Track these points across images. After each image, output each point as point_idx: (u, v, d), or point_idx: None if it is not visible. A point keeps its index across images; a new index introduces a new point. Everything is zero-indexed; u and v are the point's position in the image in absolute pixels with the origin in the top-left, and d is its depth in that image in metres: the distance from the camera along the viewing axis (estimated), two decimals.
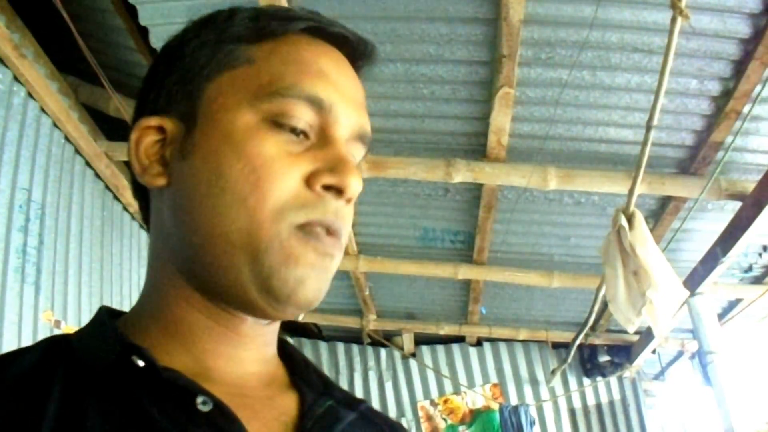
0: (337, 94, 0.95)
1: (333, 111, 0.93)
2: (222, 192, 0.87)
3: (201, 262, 0.90)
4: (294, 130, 0.91)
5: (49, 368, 0.84)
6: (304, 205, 0.88)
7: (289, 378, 1.03)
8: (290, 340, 8.51)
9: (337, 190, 0.90)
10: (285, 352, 1.07)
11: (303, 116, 0.91)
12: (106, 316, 0.96)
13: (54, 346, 0.89)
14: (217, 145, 0.90)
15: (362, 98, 1.02)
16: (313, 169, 0.90)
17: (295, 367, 1.05)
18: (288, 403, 0.95)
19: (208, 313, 0.92)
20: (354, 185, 0.90)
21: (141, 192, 1.02)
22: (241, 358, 0.95)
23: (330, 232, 0.91)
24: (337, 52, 1.00)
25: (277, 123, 0.90)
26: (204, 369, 0.90)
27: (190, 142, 0.92)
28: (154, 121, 0.95)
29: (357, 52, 1.04)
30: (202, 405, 0.81)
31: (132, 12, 4.17)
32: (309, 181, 0.89)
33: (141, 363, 0.82)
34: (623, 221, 4.07)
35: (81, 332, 0.94)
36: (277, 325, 1.02)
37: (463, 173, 4.77)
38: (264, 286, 0.87)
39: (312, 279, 0.89)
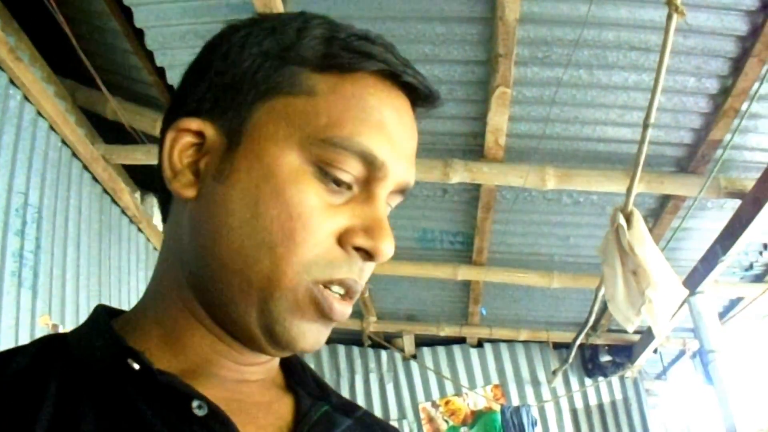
0: (392, 150, 0.90)
1: (383, 169, 0.89)
2: (253, 232, 0.85)
3: (213, 287, 0.89)
4: (338, 182, 0.87)
5: (45, 367, 0.83)
6: (330, 263, 0.87)
7: (286, 382, 1.03)
8: None
9: (368, 253, 0.88)
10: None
11: (352, 170, 0.88)
12: (102, 315, 0.94)
13: (49, 345, 0.89)
14: (258, 181, 0.86)
15: (414, 148, 0.98)
16: (348, 226, 0.88)
17: (293, 371, 1.05)
18: (284, 408, 0.95)
19: (213, 330, 0.92)
20: (386, 251, 0.88)
21: (164, 191, 0.98)
22: (241, 370, 0.94)
23: (347, 294, 0.90)
24: (401, 98, 0.95)
25: (323, 171, 0.87)
26: (202, 375, 0.90)
27: (229, 163, 0.89)
28: (195, 124, 0.91)
29: (421, 98, 0.98)
30: (198, 409, 0.81)
31: (128, 14, 4.16)
32: (342, 238, 0.87)
33: (136, 366, 0.82)
34: (621, 220, 4.05)
35: (77, 332, 0.93)
36: None
37: (460, 174, 4.76)
38: (267, 329, 0.87)
39: (313, 333, 0.89)
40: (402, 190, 0.96)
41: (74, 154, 4.90)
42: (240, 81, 0.90)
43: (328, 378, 8.37)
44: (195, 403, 0.81)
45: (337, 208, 0.87)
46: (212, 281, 0.88)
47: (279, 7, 3.62)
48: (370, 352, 8.62)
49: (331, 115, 0.87)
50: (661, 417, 8.82)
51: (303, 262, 0.85)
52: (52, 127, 4.61)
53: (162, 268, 0.97)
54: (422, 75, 0.97)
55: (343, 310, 0.89)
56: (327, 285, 0.87)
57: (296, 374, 1.04)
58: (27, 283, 4.11)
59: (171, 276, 0.94)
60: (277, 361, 1.03)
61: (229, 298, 0.87)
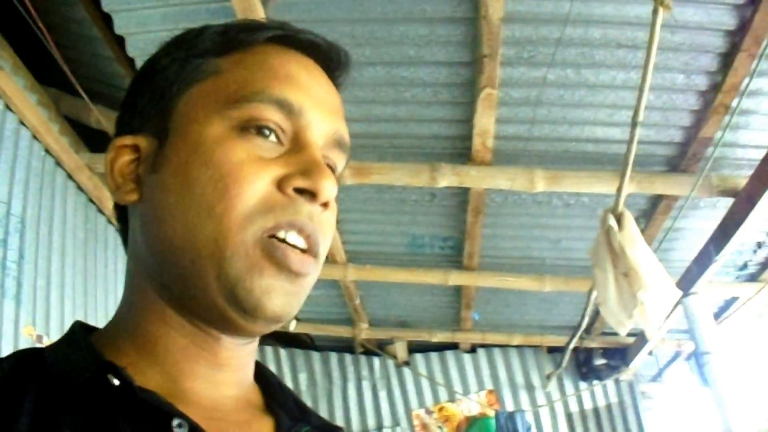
0: (308, 97, 0.93)
1: (304, 115, 0.92)
2: (191, 202, 0.86)
3: (171, 274, 0.88)
4: (263, 133, 0.89)
5: (21, 382, 0.81)
6: (272, 208, 0.86)
7: (265, 402, 1.01)
8: (282, 351, 8.53)
9: (311, 194, 0.88)
10: (261, 376, 1.05)
11: (271, 118, 0.90)
12: (81, 331, 0.93)
13: (25, 359, 0.87)
14: (187, 156, 0.89)
15: (337, 104, 1.00)
16: (285, 173, 0.88)
17: (271, 391, 1.03)
18: (264, 428, 0.94)
19: (183, 332, 0.90)
20: (327, 188, 0.88)
21: (120, 215, 1.02)
22: (218, 381, 0.92)
23: (306, 242, 0.89)
24: (307, 59, 0.99)
25: (246, 129, 0.89)
26: (180, 390, 0.88)
27: (162, 156, 0.91)
28: (128, 140, 0.95)
29: (330, 60, 1.02)
30: (178, 428, 0.79)
31: (108, 21, 4.12)
32: (280, 184, 0.87)
33: (116, 382, 0.80)
34: (612, 221, 4.01)
35: (54, 347, 0.92)
36: (254, 347, 1.00)
37: (448, 177, 4.71)
38: (230, 296, 0.85)
39: (278, 292, 0.86)
40: (339, 145, 0.98)
41: (58, 163, 4.90)
42: (157, 90, 0.96)
43: (321, 386, 8.39)
44: (175, 422, 0.79)
45: (270, 161, 0.88)
46: (169, 267, 0.88)
47: (259, 12, 3.58)
48: (363, 359, 8.59)
49: (239, 81, 0.91)
50: (657, 420, 8.79)
51: (244, 213, 0.84)
52: (35, 136, 4.60)
53: (128, 282, 0.98)
54: (323, 36, 1.01)
55: (300, 259, 0.88)
56: (277, 234, 0.86)
57: (275, 395, 1.02)
58: (10, 294, 4.08)
59: (136, 286, 0.94)
60: (251, 372, 1.01)
61: (187, 276, 0.87)
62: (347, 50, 1.04)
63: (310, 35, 0.99)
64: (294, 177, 0.87)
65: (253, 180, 0.86)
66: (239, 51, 0.95)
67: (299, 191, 0.87)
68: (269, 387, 1.03)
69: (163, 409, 0.80)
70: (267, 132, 0.90)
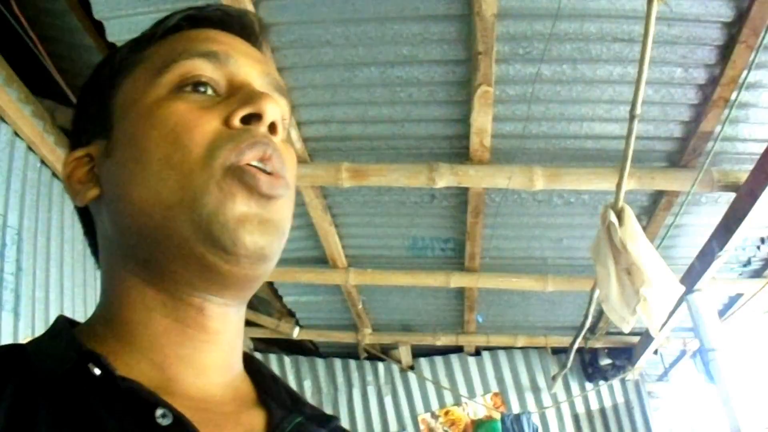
0: (231, 48, 0.98)
1: (232, 61, 0.96)
2: (147, 163, 0.87)
3: (145, 243, 0.88)
4: (198, 87, 0.93)
5: (0, 375, 0.80)
6: (231, 139, 0.87)
7: (257, 394, 0.99)
8: (287, 358, 8.51)
9: (257, 118, 0.90)
10: (253, 369, 1.03)
11: (204, 71, 0.93)
12: (63, 323, 0.92)
13: (5, 353, 0.86)
14: (133, 128, 0.91)
15: (263, 57, 1.04)
16: (229, 111, 0.90)
17: (263, 383, 1.01)
18: (255, 420, 0.92)
19: (165, 311, 0.90)
20: (270, 107, 0.90)
21: (86, 222, 1.02)
22: (205, 365, 0.91)
23: (268, 165, 0.89)
24: (223, 32, 1.03)
25: (182, 89, 0.92)
26: (165, 380, 0.86)
27: (111, 143, 0.93)
28: (80, 152, 0.97)
29: (245, 29, 1.06)
30: (162, 418, 0.77)
31: (100, 29, 4.10)
32: (227, 122, 0.89)
33: (97, 371, 0.79)
34: (612, 217, 3.97)
35: (36, 340, 0.91)
36: (240, 324, 0.99)
37: (446, 177, 4.69)
38: (207, 236, 0.84)
39: (253, 221, 0.86)
40: (276, 87, 1.01)
41: (54, 174, 4.85)
42: (95, 100, 0.99)
43: (326, 393, 8.39)
44: (159, 412, 0.77)
45: (211, 107, 0.91)
46: (143, 236, 0.88)
47: None
48: (367, 364, 8.60)
49: (164, 54, 0.95)
50: (664, 419, 8.76)
51: (202, 153, 0.86)
52: (30, 148, 4.56)
53: (104, 277, 0.97)
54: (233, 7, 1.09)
55: (269, 180, 0.88)
56: (250, 162, 0.87)
57: (267, 387, 1.00)
58: (8, 306, 4.05)
59: (113, 275, 0.94)
60: (239, 358, 1.00)
61: (161, 235, 0.86)
62: (255, 13, 1.13)
63: (218, 7, 1.05)
64: (237, 109, 0.89)
65: (201, 123, 0.88)
66: (156, 42, 0.99)
67: (245, 121, 0.89)
68: (262, 379, 1.02)
69: (146, 399, 0.78)
70: (202, 88, 0.92)
